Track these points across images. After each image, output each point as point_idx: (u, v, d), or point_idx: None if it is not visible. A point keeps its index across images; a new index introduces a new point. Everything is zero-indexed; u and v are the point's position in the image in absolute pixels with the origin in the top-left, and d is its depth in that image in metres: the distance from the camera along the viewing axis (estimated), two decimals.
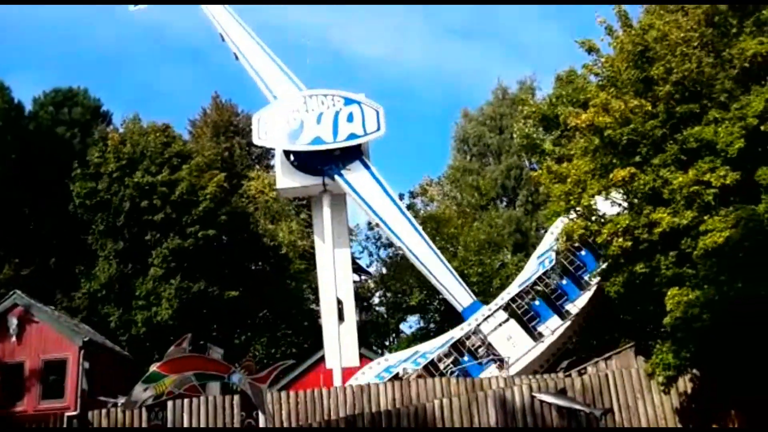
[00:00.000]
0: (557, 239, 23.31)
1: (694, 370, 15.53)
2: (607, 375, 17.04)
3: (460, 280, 25.57)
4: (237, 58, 28.37)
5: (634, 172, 14.88)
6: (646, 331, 23.23)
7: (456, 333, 23.53)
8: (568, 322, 22.25)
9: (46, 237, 30.19)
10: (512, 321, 22.91)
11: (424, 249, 25.51)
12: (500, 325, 22.88)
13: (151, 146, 29.77)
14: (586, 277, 22.43)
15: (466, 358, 22.50)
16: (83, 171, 29.58)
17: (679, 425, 16.35)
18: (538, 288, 23.16)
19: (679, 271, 14.15)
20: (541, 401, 16.53)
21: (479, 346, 22.76)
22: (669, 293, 13.84)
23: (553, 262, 23.04)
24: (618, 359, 18.52)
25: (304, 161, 26.31)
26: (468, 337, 22.95)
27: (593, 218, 16.26)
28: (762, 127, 13.93)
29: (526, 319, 22.75)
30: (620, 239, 15.21)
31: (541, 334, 22.30)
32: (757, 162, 14.19)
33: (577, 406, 16.37)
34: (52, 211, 29.83)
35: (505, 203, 40.56)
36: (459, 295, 24.84)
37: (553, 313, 22.59)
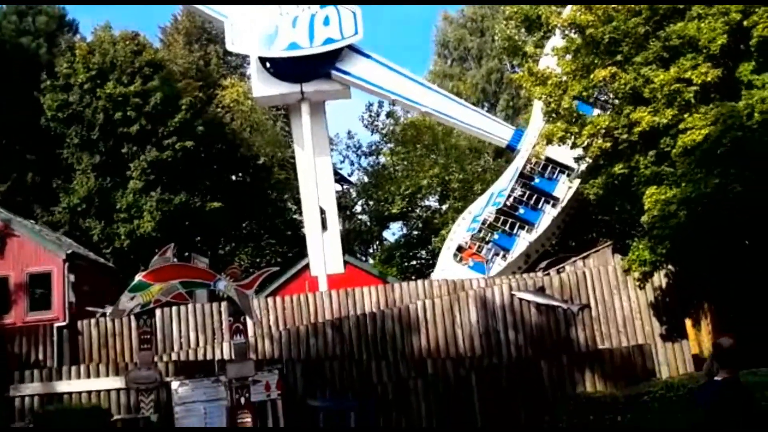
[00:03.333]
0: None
1: (669, 266, 15.99)
2: (584, 272, 17.50)
3: (491, 116, 25.84)
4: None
5: (615, 72, 14.76)
6: (624, 231, 23.75)
7: (517, 162, 23.76)
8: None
9: (20, 152, 29.62)
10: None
11: (449, 104, 25.61)
12: None
13: (121, 56, 28.82)
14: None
15: (537, 180, 22.82)
16: (53, 83, 28.72)
17: (653, 319, 17.00)
18: None
19: (657, 170, 14.29)
20: (521, 299, 17.05)
21: (543, 165, 23.00)
22: (647, 192, 14.03)
23: None
24: (596, 258, 18.96)
25: (281, 68, 25.63)
26: (529, 161, 23.13)
27: (574, 120, 16.23)
28: (745, 23, 13.75)
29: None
30: (600, 140, 15.27)
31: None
32: (739, 58, 14.11)
33: (555, 303, 16.92)
34: (23, 125, 29.09)
35: (486, 108, 40.25)
36: (497, 131, 25.07)
37: (592, 108, 22.72)
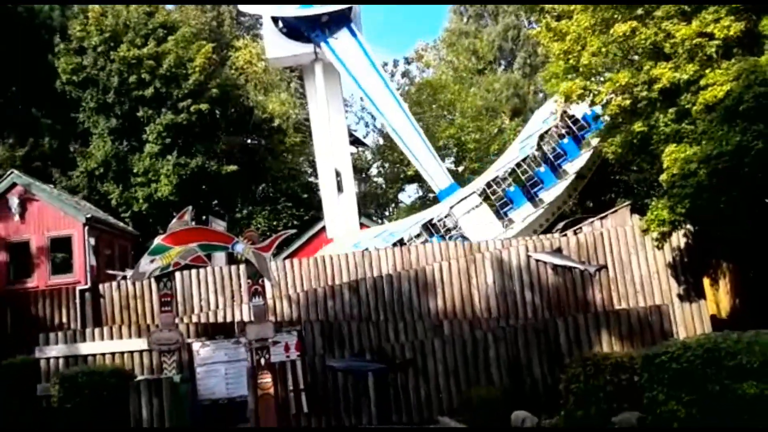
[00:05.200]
0: (545, 120, 22.84)
1: (688, 226, 15.82)
2: (602, 233, 17.38)
3: (440, 161, 25.00)
4: None
5: (635, 26, 14.40)
6: (643, 191, 23.48)
7: (427, 214, 23.41)
8: (540, 210, 22.09)
9: (36, 117, 29.74)
10: (485, 206, 22.65)
11: (407, 127, 24.57)
12: (473, 208, 22.59)
13: (134, 17, 28.65)
14: (564, 166, 22.13)
15: (435, 238, 22.32)
16: (66, 46, 28.67)
17: (671, 279, 16.90)
18: (516, 173, 22.70)
19: (677, 127, 14.03)
20: (537, 260, 17.00)
21: (450, 228, 22.54)
22: (667, 150, 13.81)
23: (534, 148, 22.56)
24: (614, 218, 18.81)
25: (293, 28, 25.35)
26: (440, 219, 22.69)
27: (592, 77, 15.92)
28: None
29: (499, 204, 22.62)
30: (619, 98, 14.98)
31: (511, 221, 22.21)
32: (763, 11, 13.69)
33: (572, 264, 16.85)
34: (39, 89, 29.15)
35: (503, 66, 39.67)
36: (437, 176, 24.32)
37: (527, 200, 22.34)
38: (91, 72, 28.16)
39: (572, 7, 16.88)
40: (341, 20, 24.91)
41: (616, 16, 15.20)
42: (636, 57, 15.48)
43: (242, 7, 26.73)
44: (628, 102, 14.78)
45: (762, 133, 12.16)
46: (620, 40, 14.93)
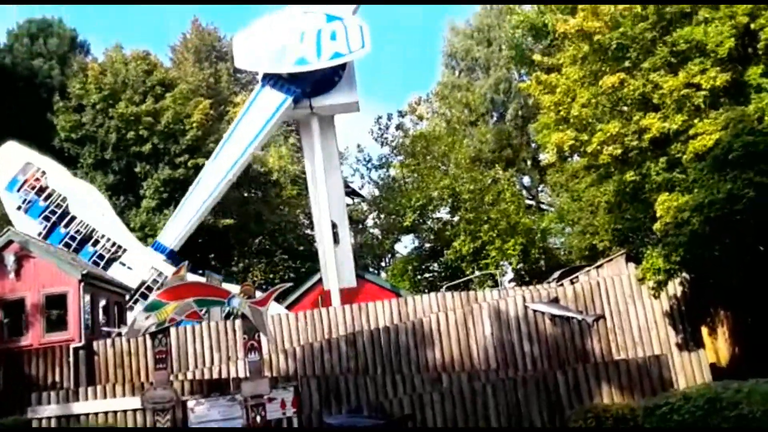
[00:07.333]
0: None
1: (684, 274, 15.81)
2: (598, 282, 17.35)
3: (187, 232, 26.13)
4: None
5: (623, 78, 14.71)
6: (637, 239, 23.51)
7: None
8: None
9: None
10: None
11: (200, 197, 25.87)
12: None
13: (132, 75, 29.19)
14: None
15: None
16: (65, 104, 29.11)
17: (669, 328, 16.80)
18: None
19: (669, 176, 14.21)
20: (535, 311, 16.91)
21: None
22: (659, 199, 13.94)
23: None
24: (609, 267, 18.80)
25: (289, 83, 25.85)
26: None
27: (583, 128, 16.15)
28: (752, 26, 13.72)
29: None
30: (610, 148, 15.17)
31: None
32: (747, 62, 14.05)
33: (570, 314, 16.76)
34: (38, 146, 29.40)
35: (495, 118, 40.26)
36: (170, 235, 25.89)
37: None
38: (89, 129, 28.54)
39: (561, 60, 17.28)
40: (294, 89, 25.55)
41: (604, 68, 15.56)
42: (625, 108, 15.76)
43: (239, 64, 27.24)
44: (619, 151, 14.97)
45: (752, 181, 12.33)
46: (609, 92, 15.24)
